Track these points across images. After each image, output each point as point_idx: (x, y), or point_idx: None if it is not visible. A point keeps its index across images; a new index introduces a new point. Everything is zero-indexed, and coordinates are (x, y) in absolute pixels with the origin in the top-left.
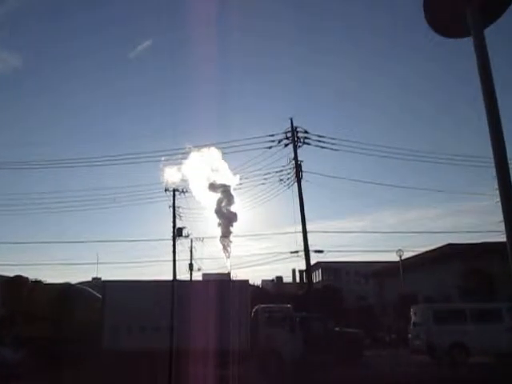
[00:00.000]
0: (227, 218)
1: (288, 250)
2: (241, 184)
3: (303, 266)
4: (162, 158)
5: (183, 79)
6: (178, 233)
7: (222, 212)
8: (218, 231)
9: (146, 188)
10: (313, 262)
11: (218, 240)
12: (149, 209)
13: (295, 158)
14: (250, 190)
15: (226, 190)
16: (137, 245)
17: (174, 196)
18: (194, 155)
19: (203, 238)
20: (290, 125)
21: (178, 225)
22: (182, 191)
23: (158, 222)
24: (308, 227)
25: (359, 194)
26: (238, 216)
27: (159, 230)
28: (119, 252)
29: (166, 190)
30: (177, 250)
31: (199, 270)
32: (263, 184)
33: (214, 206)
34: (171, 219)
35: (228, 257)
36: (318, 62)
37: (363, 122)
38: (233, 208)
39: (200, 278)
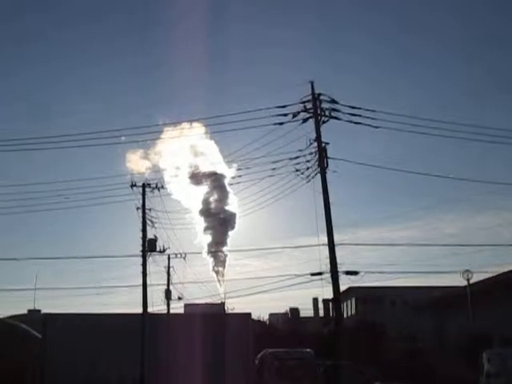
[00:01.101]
0: (220, 223)
1: (307, 271)
2: (239, 177)
3: (329, 294)
4: (124, 139)
5: (163, 36)
6: (149, 246)
7: (211, 214)
8: (207, 243)
9: (103, 182)
10: (343, 287)
11: (206, 256)
12: (109, 212)
13: (318, 138)
14: (253, 185)
15: (217, 182)
16: (93, 263)
17: (143, 194)
18: (171, 135)
19: (185, 254)
20: (308, 93)
21: (150, 235)
22: (156, 187)
23: (121, 231)
24: (336, 238)
25: (406, 191)
26: (236, 221)
27: (124, 241)
28: (68, 274)
29: (132, 186)
30: (149, 271)
31: (180, 298)
32: (271, 176)
33: (199, 205)
34: (140, 227)
35: (221, 280)
36: (343, 20)
37: (404, 95)
38: (228, 209)
39: (181, 311)
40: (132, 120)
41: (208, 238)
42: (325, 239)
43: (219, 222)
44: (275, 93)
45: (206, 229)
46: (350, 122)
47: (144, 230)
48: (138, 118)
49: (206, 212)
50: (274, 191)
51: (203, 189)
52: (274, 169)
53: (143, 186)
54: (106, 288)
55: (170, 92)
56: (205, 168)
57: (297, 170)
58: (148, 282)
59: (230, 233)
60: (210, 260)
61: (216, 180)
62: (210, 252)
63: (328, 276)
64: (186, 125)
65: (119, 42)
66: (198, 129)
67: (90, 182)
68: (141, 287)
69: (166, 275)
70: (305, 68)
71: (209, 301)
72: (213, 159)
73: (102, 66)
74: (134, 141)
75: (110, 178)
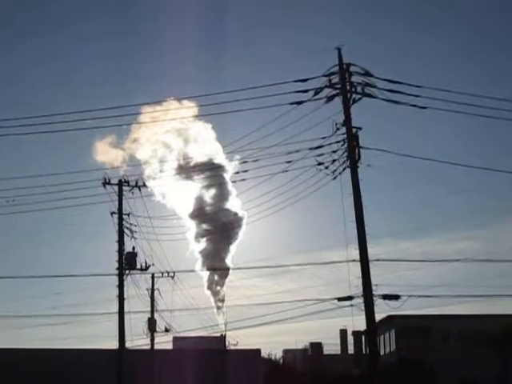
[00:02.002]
0: (219, 231)
1: (333, 295)
2: (244, 172)
3: (362, 325)
4: (90, 123)
5: None
6: (127, 262)
7: (207, 217)
8: (202, 258)
9: (65, 179)
10: (380, 315)
11: (201, 275)
12: (74, 218)
13: (347, 122)
14: (262, 182)
15: (215, 177)
16: (54, 284)
17: (119, 194)
18: (154, 118)
19: (174, 273)
20: (335, 63)
21: (129, 247)
22: (136, 185)
23: (91, 243)
24: (371, 252)
25: (462, 191)
26: (241, 228)
27: (95, 256)
28: (21, 298)
29: (105, 184)
30: (127, 295)
31: (168, 330)
32: (286, 172)
33: (191, 207)
34: (116, 237)
35: (221, 307)
36: None
37: (453, 67)
38: (230, 209)
39: (170, 346)
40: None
41: (203, 251)
42: (356, 254)
43: (218, 228)
44: (291, 64)
45: (200, 238)
46: (389, 100)
47: (121, 242)
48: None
49: (199, 215)
50: (290, 191)
51: (196, 185)
52: (289, 162)
53: (119, 183)
54: (70, 316)
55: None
56: (198, 158)
57: (319, 164)
58: (126, 308)
59: (233, 244)
60: (207, 280)
61: (214, 174)
62: (206, 270)
63: (360, 301)
64: (172, 103)
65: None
66: (189, 110)
67: (48, 179)
68: (117, 315)
69: (149, 300)
70: (329, 32)
71: (205, 333)
72: (209, 149)
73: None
74: (104, 126)
75: (75, 174)
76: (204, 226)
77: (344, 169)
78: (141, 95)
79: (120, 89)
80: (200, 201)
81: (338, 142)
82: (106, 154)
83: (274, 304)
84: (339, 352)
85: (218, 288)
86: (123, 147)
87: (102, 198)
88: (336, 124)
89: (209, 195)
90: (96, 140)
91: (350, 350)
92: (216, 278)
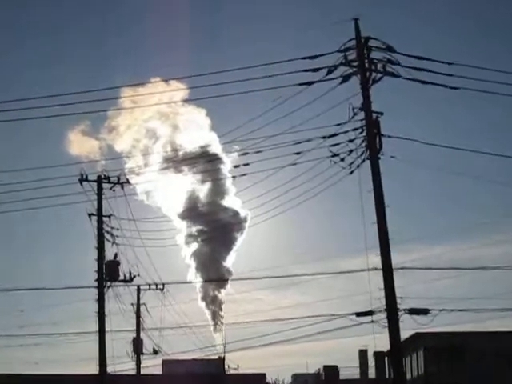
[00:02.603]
0: (216, 234)
1: (350, 310)
2: (245, 165)
3: (384, 344)
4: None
5: None
6: (108, 272)
7: (201, 217)
8: (196, 266)
9: (34, 176)
10: (406, 333)
11: (196, 288)
12: (46, 220)
13: (366, 106)
14: (266, 178)
15: (208, 168)
16: (21, 299)
17: (99, 193)
18: (137, 102)
19: (163, 285)
20: (351, 37)
21: (110, 255)
22: (118, 182)
23: (66, 250)
24: (395, 259)
25: (499, 188)
26: (240, 234)
27: (70, 265)
28: None
29: (82, 180)
30: (108, 311)
31: (156, 352)
32: (294, 165)
33: (183, 205)
34: (94, 243)
35: (219, 324)
36: None
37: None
38: (228, 212)
39: (159, 370)
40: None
41: (197, 259)
42: (377, 261)
43: (214, 232)
44: (299, 39)
45: (193, 243)
46: (415, 80)
47: (100, 248)
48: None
49: (192, 217)
50: (299, 188)
51: (189, 181)
52: (298, 153)
53: (98, 180)
54: (41, 337)
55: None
56: (190, 149)
57: (334, 156)
58: (107, 326)
59: (232, 251)
60: (202, 293)
61: (209, 168)
62: (200, 281)
63: (382, 317)
64: (158, 85)
65: None
66: (179, 92)
67: (11, 176)
68: (96, 335)
69: (134, 317)
70: (344, 2)
71: (200, 356)
72: (202, 139)
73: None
74: (78, 113)
75: (45, 170)
76: (198, 230)
77: (363, 161)
78: (121, 76)
79: (97, 70)
80: (193, 200)
81: (356, 129)
82: (82, 145)
83: (280, 321)
84: (358, 376)
85: (215, 302)
86: (101, 137)
87: (77, 197)
88: (353, 108)
89: (203, 193)
90: (68, 130)
91: (371, 373)
92: (212, 290)
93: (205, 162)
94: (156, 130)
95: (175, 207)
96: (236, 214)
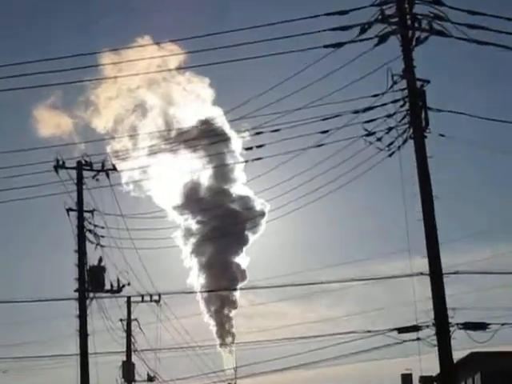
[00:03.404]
0: (223, 229)
1: (389, 325)
2: (260, 147)
3: (433, 367)
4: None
5: None
6: (92, 281)
7: (203, 213)
8: (199, 274)
9: (3, 162)
10: (460, 353)
11: (200, 300)
12: (15, 216)
13: (408, 72)
14: (285, 163)
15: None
16: None
17: (79, 182)
18: (121, 69)
19: (159, 296)
20: None
21: (93, 259)
22: (102, 169)
23: (40, 254)
24: (445, 262)
25: None
26: (254, 232)
27: (45, 273)
28: None
29: (58, 167)
30: (91, 329)
31: (151, 379)
32: (320, 147)
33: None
34: (74, 245)
35: (228, 344)
36: None
37: None
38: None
39: None
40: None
41: (201, 263)
42: (424, 265)
43: (221, 229)
44: None
45: (194, 241)
46: (468, 40)
47: (81, 251)
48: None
49: (194, 211)
50: (326, 175)
51: (190, 166)
52: (324, 132)
53: (78, 167)
54: (8, 361)
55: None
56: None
57: (368, 134)
58: (91, 348)
59: (243, 253)
60: (206, 306)
61: (214, 151)
62: (204, 291)
63: (430, 333)
64: (148, 48)
65: None
66: (175, 58)
67: None
68: (77, 359)
69: (123, 335)
70: None
71: (205, 383)
72: (205, 115)
73: None
74: (51, 84)
75: (13, 155)
76: (201, 227)
77: (405, 141)
78: (103, 38)
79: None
80: (194, 190)
81: (396, 101)
82: (54, 125)
83: (304, 339)
84: None
85: (224, 317)
86: (78, 115)
87: (53, 188)
88: (392, 76)
89: (207, 182)
90: (37, 105)
91: None
92: (220, 302)
93: (208, 142)
94: (146, 105)
95: (172, 200)
96: (248, 207)
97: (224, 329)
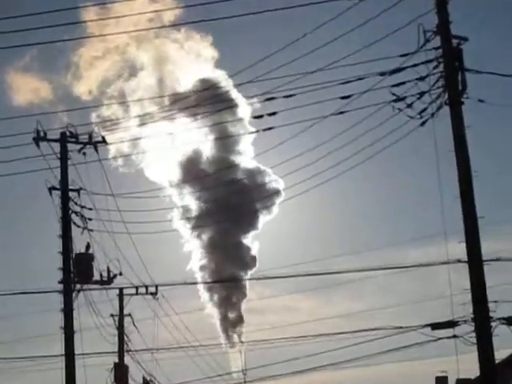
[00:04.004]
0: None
1: (422, 321)
2: (271, 115)
3: (473, 369)
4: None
5: None
6: (79, 271)
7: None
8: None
9: None
10: (502, 352)
11: (202, 293)
12: None
13: (442, 28)
14: (300, 133)
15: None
16: None
17: (62, 156)
18: (105, 27)
19: (156, 288)
20: None
21: (80, 245)
22: (90, 141)
23: (18, 239)
24: (485, 248)
25: None
26: (264, 213)
27: (25, 260)
28: None
29: (38, 140)
30: (78, 325)
31: (147, 383)
32: (340, 114)
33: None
34: (58, 230)
35: (236, 344)
36: None
37: None
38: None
39: None
40: None
41: (203, 249)
42: (461, 250)
43: (227, 209)
44: None
45: (196, 226)
46: None
47: (66, 236)
48: None
49: (194, 180)
50: (348, 147)
51: (190, 135)
52: (345, 98)
53: (62, 139)
54: None
55: None
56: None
57: (397, 100)
58: (77, 347)
59: (252, 237)
60: (210, 299)
61: (219, 119)
62: (207, 282)
63: (469, 330)
64: (140, 1)
65: None
66: (171, 13)
67: None
68: (62, 360)
69: (115, 333)
70: None
71: None
72: (207, 79)
73: None
74: (27, 44)
75: None
76: (203, 207)
77: (439, 108)
78: None
79: None
80: (196, 164)
81: (429, 61)
82: (32, 91)
83: (322, 337)
84: None
85: (231, 312)
86: (59, 80)
87: (33, 163)
88: (424, 32)
89: (210, 155)
90: (12, 69)
91: None
92: (226, 295)
93: (211, 109)
94: (137, 67)
95: (170, 177)
96: (258, 185)
97: (231, 324)
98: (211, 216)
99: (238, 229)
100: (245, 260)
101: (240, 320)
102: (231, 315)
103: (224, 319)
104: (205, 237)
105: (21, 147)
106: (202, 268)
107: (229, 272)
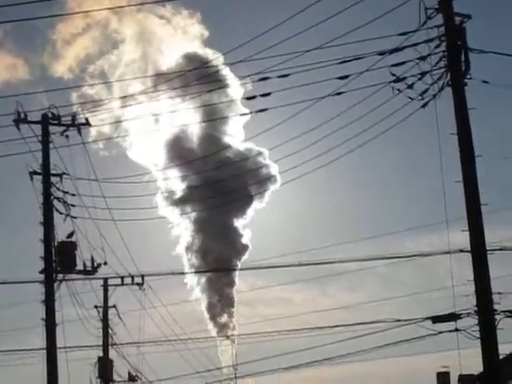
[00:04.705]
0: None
1: (422, 314)
2: (265, 96)
3: (475, 364)
4: None
5: None
6: (61, 259)
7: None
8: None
9: None
10: (507, 347)
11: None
12: None
13: (444, 5)
14: (296, 115)
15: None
16: None
17: (44, 139)
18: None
19: (143, 278)
20: None
21: (62, 233)
22: (72, 123)
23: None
24: (490, 236)
25: None
26: (256, 198)
27: (6, 248)
28: None
29: (19, 121)
30: (61, 317)
31: (134, 379)
32: (338, 95)
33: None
34: (40, 216)
35: (227, 337)
36: None
37: None
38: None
39: None
40: None
41: (191, 236)
42: (463, 239)
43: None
44: None
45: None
46: None
47: (48, 223)
48: None
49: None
50: (345, 130)
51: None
52: (343, 78)
53: (44, 121)
54: None
55: None
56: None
57: (397, 80)
58: (59, 341)
59: (243, 223)
60: (200, 290)
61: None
62: (196, 271)
63: (472, 323)
64: None
65: None
66: None
67: None
68: (43, 354)
69: (99, 326)
70: None
71: (200, 383)
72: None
73: None
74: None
75: None
76: (192, 192)
77: (441, 89)
78: None
79: None
80: (184, 148)
81: (430, 40)
82: (7, 70)
83: (317, 330)
84: None
85: (221, 303)
86: (35, 59)
87: (13, 146)
88: (426, 9)
89: (200, 138)
90: None
91: None
92: (216, 285)
93: (201, 89)
94: (119, 44)
95: (157, 160)
96: (250, 169)
97: (220, 311)
98: (200, 200)
99: (229, 213)
100: (235, 245)
101: (230, 306)
102: (219, 302)
103: (212, 306)
104: (193, 220)
105: (1, 129)
106: (189, 251)
107: (217, 252)
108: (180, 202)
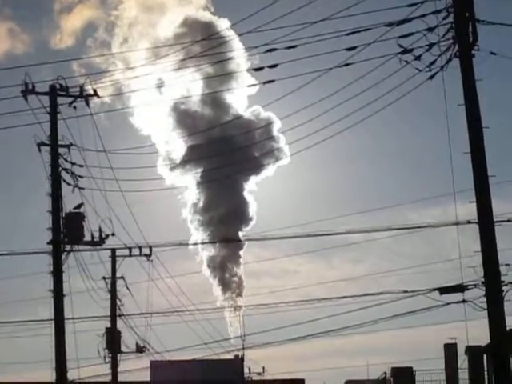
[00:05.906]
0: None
1: (429, 285)
2: (272, 67)
3: (482, 336)
4: None
5: None
6: (69, 230)
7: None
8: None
9: None
10: None
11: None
12: None
13: None
14: (303, 87)
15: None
16: None
17: (53, 110)
18: None
19: (151, 249)
20: None
21: (70, 203)
22: (81, 94)
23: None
24: (498, 207)
25: None
26: (263, 170)
27: (14, 219)
28: None
29: (27, 92)
30: (68, 288)
31: (142, 350)
32: (345, 67)
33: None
34: (48, 187)
35: (235, 308)
36: None
37: None
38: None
39: (147, 377)
40: None
41: (199, 208)
42: (470, 210)
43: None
44: None
45: (194, 182)
46: None
47: (56, 195)
48: None
49: (190, 134)
50: (353, 101)
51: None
52: (351, 49)
53: (52, 92)
54: None
55: None
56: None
57: (404, 52)
58: (67, 312)
59: (250, 195)
60: (208, 261)
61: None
62: (205, 242)
63: (479, 294)
64: None
65: None
66: None
67: None
68: (51, 326)
69: (107, 297)
70: None
71: (207, 355)
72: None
73: None
74: None
75: None
76: (200, 163)
77: (449, 60)
78: None
79: None
80: (191, 116)
81: (438, 11)
82: (8, 42)
83: (323, 301)
84: (444, 381)
85: (228, 274)
86: (37, 31)
87: (20, 118)
88: None
89: (206, 108)
90: None
91: (463, 377)
92: (224, 255)
93: (207, 59)
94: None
95: (163, 130)
96: (257, 140)
97: (228, 289)
98: (207, 167)
99: (237, 181)
100: (242, 215)
101: (238, 284)
102: (229, 276)
103: (221, 282)
104: (200, 188)
105: (8, 100)
106: (195, 215)
107: (224, 218)
108: (185, 166)
